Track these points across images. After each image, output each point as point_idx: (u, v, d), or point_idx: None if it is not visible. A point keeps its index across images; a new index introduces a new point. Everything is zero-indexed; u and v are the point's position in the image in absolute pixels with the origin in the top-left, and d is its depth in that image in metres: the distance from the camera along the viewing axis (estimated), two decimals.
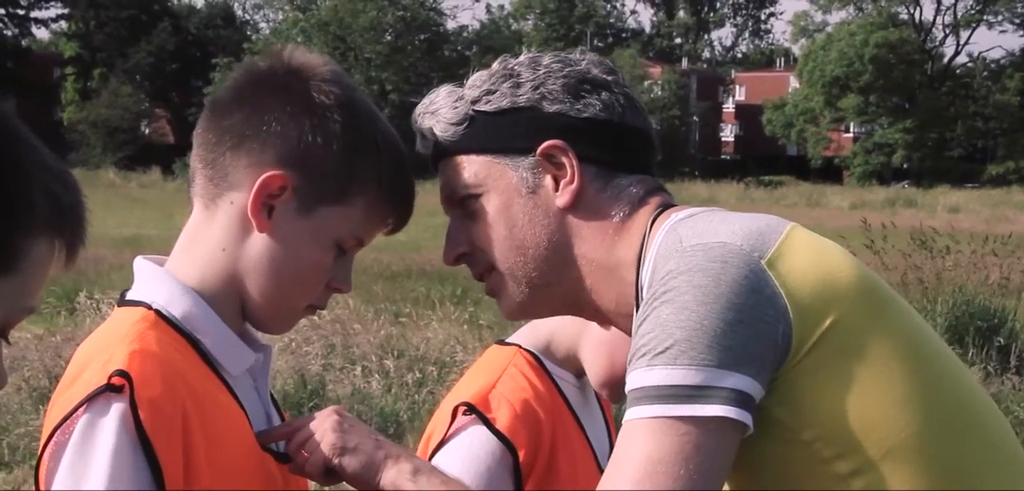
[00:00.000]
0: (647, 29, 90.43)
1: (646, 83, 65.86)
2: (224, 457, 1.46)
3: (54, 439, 1.40)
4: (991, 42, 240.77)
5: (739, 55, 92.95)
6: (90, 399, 1.39)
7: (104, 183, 43.32)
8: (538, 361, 2.08)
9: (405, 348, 9.29)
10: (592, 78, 1.62)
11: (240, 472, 1.49)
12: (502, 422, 1.93)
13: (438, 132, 1.64)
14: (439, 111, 1.64)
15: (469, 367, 2.14)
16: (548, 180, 1.60)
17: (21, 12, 70.04)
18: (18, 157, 1.15)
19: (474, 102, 1.62)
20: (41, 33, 75.12)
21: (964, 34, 74.57)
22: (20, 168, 1.15)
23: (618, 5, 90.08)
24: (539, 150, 1.59)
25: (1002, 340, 9.47)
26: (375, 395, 8.17)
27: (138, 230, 23.60)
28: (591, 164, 1.60)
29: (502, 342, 2.14)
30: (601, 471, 2.11)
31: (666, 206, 1.60)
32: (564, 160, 1.59)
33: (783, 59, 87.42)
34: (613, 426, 2.26)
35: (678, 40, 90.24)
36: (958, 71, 72.54)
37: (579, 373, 2.11)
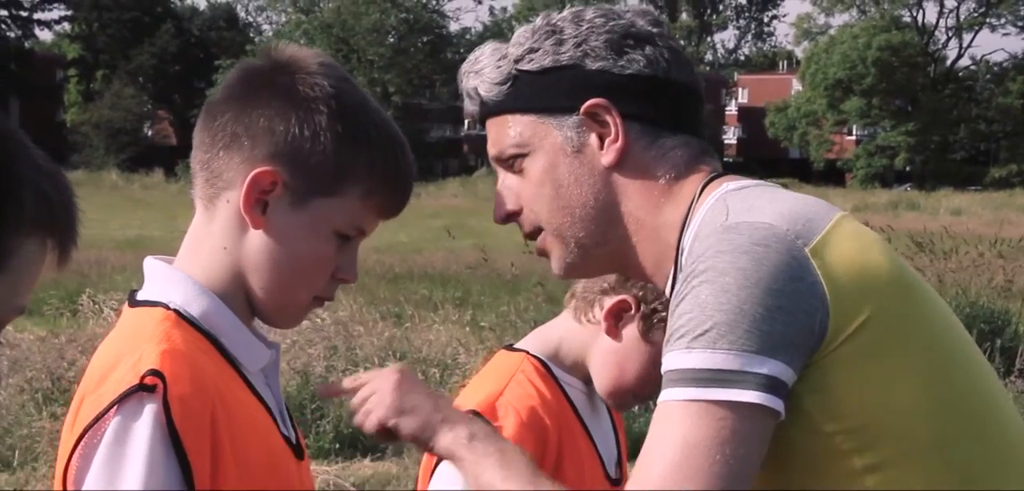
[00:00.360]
0: None
1: None
2: (249, 454, 1.47)
3: (84, 440, 1.40)
4: (994, 45, 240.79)
5: (742, 58, 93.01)
6: (122, 399, 1.39)
7: (107, 185, 43.42)
8: (546, 368, 2.07)
9: (407, 350, 9.29)
10: (636, 32, 1.59)
11: (262, 468, 1.49)
12: (509, 430, 1.93)
13: (483, 92, 1.63)
14: (483, 70, 1.63)
15: (473, 370, 2.14)
16: (593, 139, 1.58)
17: (24, 14, 70.14)
18: (6, 156, 1.15)
19: (517, 61, 1.60)
20: (44, 35, 75.40)
21: (967, 37, 74.84)
22: (8, 167, 1.15)
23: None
24: (582, 109, 1.57)
25: (1006, 343, 9.46)
26: None
27: (141, 232, 23.63)
28: (636, 121, 1.57)
29: (510, 347, 2.13)
30: (608, 477, 2.11)
31: (718, 174, 1.59)
32: (608, 118, 1.57)
33: (786, 62, 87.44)
34: (622, 432, 2.25)
35: (681, 42, 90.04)
36: (961, 74, 72.52)
37: (587, 380, 2.10)
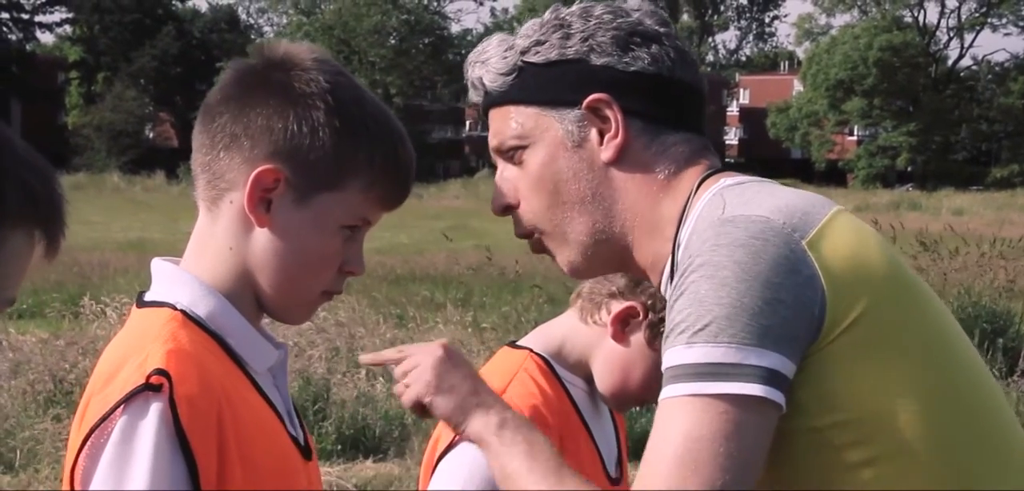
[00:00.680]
0: None
1: None
2: (255, 454, 1.47)
3: (91, 440, 1.40)
4: (995, 45, 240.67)
5: (743, 58, 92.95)
6: (128, 399, 1.39)
7: (108, 187, 43.39)
8: (549, 366, 2.07)
9: None
10: (643, 30, 1.60)
11: (269, 468, 1.49)
12: None
13: (487, 82, 1.63)
14: (489, 61, 1.63)
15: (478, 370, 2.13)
16: (593, 134, 1.58)
17: (25, 16, 70.24)
18: None
19: (523, 52, 1.61)
20: (45, 37, 75.55)
21: (968, 37, 74.80)
22: None
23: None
24: (584, 103, 1.57)
25: (1008, 343, 9.46)
26: (379, 398, 8.17)
27: (142, 234, 23.64)
28: (637, 118, 1.57)
29: (513, 344, 2.13)
30: (608, 477, 2.11)
31: (716, 170, 1.59)
32: (609, 114, 1.57)
33: (787, 62, 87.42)
34: (623, 432, 2.25)
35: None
36: (962, 74, 72.49)
37: (589, 379, 2.10)
